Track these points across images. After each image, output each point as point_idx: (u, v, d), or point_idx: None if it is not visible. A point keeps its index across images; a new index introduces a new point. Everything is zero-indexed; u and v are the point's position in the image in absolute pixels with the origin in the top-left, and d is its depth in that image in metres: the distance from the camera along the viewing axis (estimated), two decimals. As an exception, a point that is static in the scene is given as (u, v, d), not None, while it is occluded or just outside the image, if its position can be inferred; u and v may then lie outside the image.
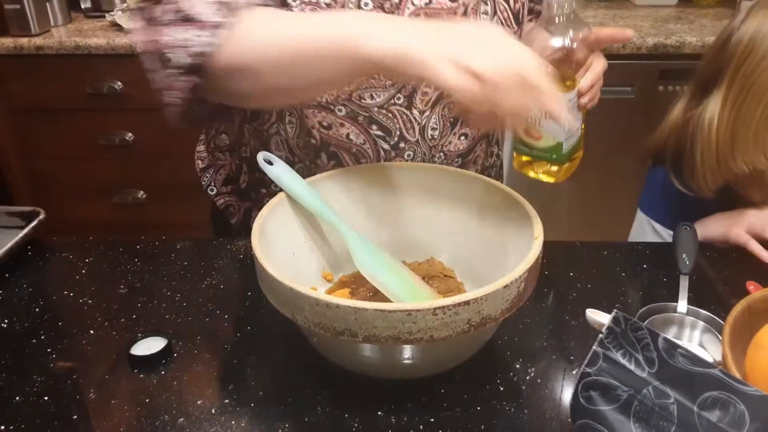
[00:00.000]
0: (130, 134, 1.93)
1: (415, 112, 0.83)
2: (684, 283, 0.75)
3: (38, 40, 1.80)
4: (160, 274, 0.83)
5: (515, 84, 0.56)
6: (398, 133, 0.84)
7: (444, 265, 0.77)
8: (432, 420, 0.61)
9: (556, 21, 0.74)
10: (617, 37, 0.78)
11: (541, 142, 0.76)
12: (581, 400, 0.53)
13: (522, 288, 0.59)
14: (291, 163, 0.87)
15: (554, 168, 0.78)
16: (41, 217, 0.89)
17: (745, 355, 0.59)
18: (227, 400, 0.64)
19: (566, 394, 0.64)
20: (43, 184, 2.01)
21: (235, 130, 0.92)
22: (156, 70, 0.70)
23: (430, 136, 0.86)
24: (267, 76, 0.67)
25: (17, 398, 0.64)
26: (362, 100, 0.81)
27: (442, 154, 0.87)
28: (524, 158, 0.79)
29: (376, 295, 0.70)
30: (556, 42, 0.74)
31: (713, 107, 0.92)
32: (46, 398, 0.64)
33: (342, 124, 0.83)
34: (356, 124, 0.83)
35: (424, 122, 0.84)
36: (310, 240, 0.75)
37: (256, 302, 0.77)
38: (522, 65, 0.56)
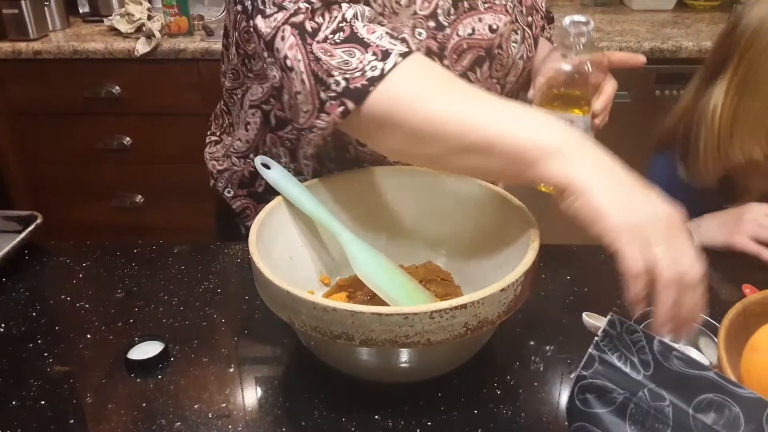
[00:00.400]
0: (128, 138, 1.93)
1: None
2: None
3: (36, 45, 1.81)
4: (157, 278, 0.83)
5: (681, 291, 0.53)
6: None
7: (441, 269, 0.78)
8: (429, 423, 0.62)
9: (572, 48, 0.76)
10: (629, 62, 0.80)
11: None
12: (577, 402, 0.53)
13: (519, 291, 0.59)
14: (319, 174, 0.84)
15: None
16: (38, 221, 0.89)
17: (741, 358, 0.59)
18: (224, 405, 0.64)
19: (563, 397, 0.65)
20: (42, 187, 2.01)
21: (250, 138, 0.89)
22: (309, 91, 0.63)
23: None
24: (422, 141, 0.62)
25: (14, 402, 0.64)
26: None
27: (360, 168, 0.84)
28: None
29: (374, 298, 0.70)
30: (571, 67, 0.76)
31: (717, 95, 0.91)
32: (42, 402, 0.64)
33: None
34: None
35: None
36: (307, 244, 0.75)
37: (254, 306, 0.77)
38: (694, 275, 0.54)
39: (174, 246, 0.90)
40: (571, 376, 0.66)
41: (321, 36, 0.63)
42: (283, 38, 0.64)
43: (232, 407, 0.63)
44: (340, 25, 0.63)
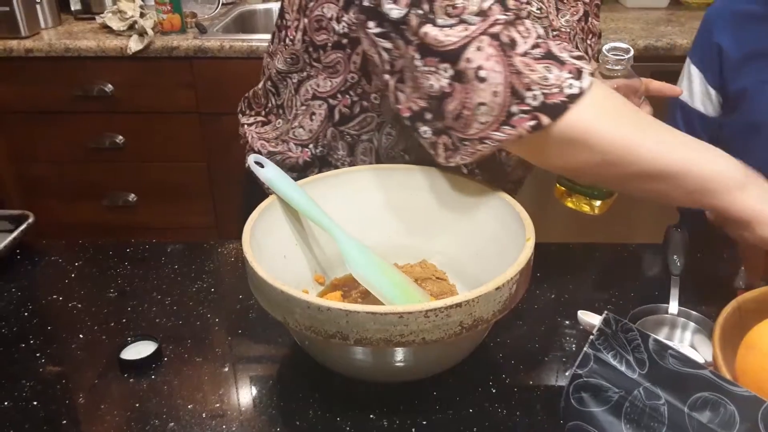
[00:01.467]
0: (120, 137, 1.92)
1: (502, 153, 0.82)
2: (675, 285, 0.75)
3: (28, 43, 1.79)
4: (150, 278, 0.83)
5: None
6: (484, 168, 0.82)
7: (436, 267, 0.77)
8: (424, 423, 0.61)
9: (610, 74, 0.76)
10: (666, 92, 0.79)
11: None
12: (572, 401, 0.53)
13: (514, 290, 0.59)
14: None
15: (595, 203, 0.80)
16: (30, 220, 0.89)
17: (736, 356, 0.59)
18: (218, 405, 0.63)
19: (558, 395, 0.64)
20: (33, 187, 2.00)
21: (314, 128, 0.86)
22: (500, 103, 0.62)
23: (504, 170, 0.85)
24: (611, 163, 0.63)
25: (6, 403, 0.64)
26: None
27: (354, 166, 0.83)
28: (564, 189, 0.81)
29: (368, 297, 0.70)
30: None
31: None
32: (35, 403, 0.64)
33: None
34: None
35: (504, 160, 0.83)
36: (301, 242, 0.74)
37: (247, 305, 0.77)
38: None
39: (167, 245, 0.90)
40: (567, 374, 0.66)
41: (521, 50, 0.62)
42: (479, 48, 0.62)
43: (226, 407, 0.63)
44: (537, 41, 0.63)
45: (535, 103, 0.62)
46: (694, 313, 0.72)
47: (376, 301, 0.67)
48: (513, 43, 0.63)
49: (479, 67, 0.62)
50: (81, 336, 0.73)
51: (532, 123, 0.62)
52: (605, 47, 0.76)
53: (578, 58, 0.64)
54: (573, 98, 0.61)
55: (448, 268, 0.77)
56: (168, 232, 2.03)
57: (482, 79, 0.62)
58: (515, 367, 0.68)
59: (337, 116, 0.82)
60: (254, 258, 0.61)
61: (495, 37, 0.62)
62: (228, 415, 0.62)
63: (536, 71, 0.62)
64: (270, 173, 0.73)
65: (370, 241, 0.74)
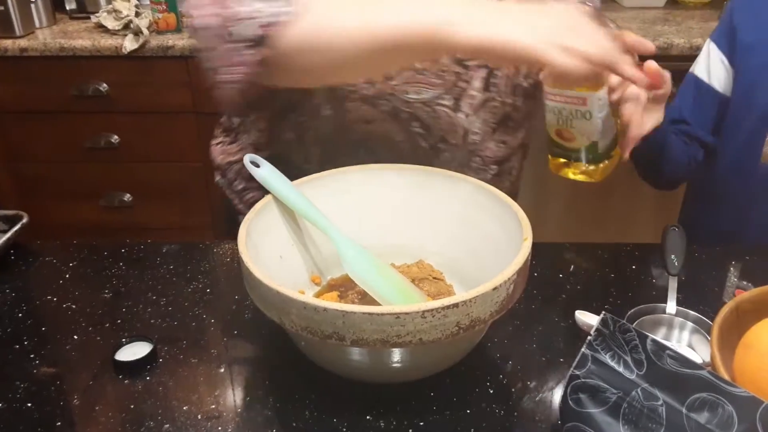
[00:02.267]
0: (115, 137, 1.91)
1: (460, 115, 0.83)
2: (673, 285, 0.75)
3: (22, 42, 1.78)
4: (145, 278, 0.82)
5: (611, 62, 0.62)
6: (440, 134, 0.83)
7: (433, 268, 0.77)
8: (421, 423, 0.61)
9: None
10: (639, 48, 0.76)
11: (575, 143, 0.75)
12: (570, 402, 0.52)
13: (511, 290, 0.59)
14: (323, 162, 0.85)
15: (591, 167, 0.77)
16: (24, 220, 0.88)
17: (734, 356, 0.59)
18: (213, 406, 0.63)
19: (556, 396, 0.64)
20: (28, 186, 1.99)
21: (263, 127, 0.90)
22: (215, 47, 0.67)
23: (471, 141, 0.85)
24: (343, 54, 0.66)
25: (0, 405, 0.63)
26: (406, 95, 0.81)
27: (479, 158, 0.87)
28: (560, 160, 0.79)
29: (365, 298, 0.69)
30: None
31: None
32: (29, 405, 0.63)
33: (384, 119, 0.82)
34: (398, 119, 0.82)
35: (467, 126, 0.84)
36: (298, 243, 0.74)
37: (243, 306, 0.76)
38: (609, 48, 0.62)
39: (162, 245, 0.89)
40: (564, 375, 0.66)
41: None
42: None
43: (222, 408, 0.63)
44: None
45: (250, 36, 0.66)
46: (692, 312, 0.72)
47: (373, 302, 0.66)
48: None
49: (195, 15, 0.68)
50: (75, 337, 0.72)
51: (256, 58, 0.67)
52: None
53: None
54: (282, 25, 0.65)
55: (445, 268, 0.77)
56: (164, 233, 2.03)
57: (201, 26, 0.68)
58: (512, 367, 0.68)
59: (278, 107, 0.85)
60: (250, 258, 0.61)
61: None
62: (224, 416, 0.62)
63: (241, 6, 0.66)
64: (265, 173, 0.73)
65: (367, 241, 0.74)
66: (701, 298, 0.77)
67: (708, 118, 1.05)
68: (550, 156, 0.79)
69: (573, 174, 0.79)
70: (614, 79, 0.74)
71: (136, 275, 0.83)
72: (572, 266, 0.85)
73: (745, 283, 0.81)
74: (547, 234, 1.12)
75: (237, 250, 0.62)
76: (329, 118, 0.84)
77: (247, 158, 0.74)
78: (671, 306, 0.73)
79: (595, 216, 1.97)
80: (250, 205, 0.91)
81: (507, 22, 0.62)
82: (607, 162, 0.78)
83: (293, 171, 0.88)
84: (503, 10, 0.63)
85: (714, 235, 1.06)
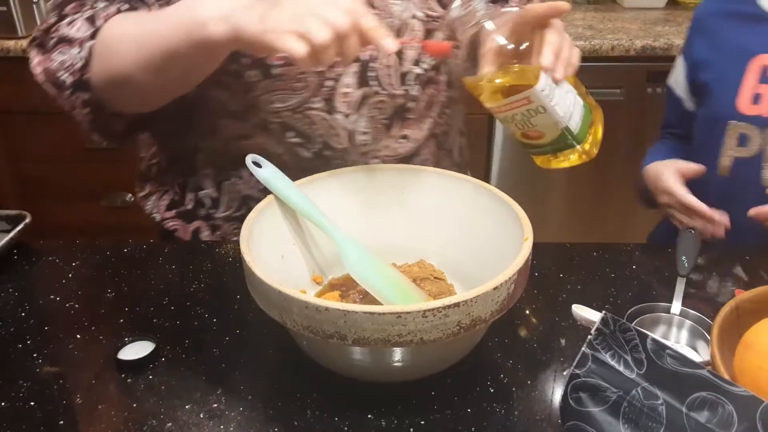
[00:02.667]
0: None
1: (338, 116, 0.80)
2: (680, 285, 0.75)
3: (25, 43, 1.79)
4: (147, 278, 0.82)
5: (353, 36, 0.61)
6: (320, 140, 0.81)
7: (434, 267, 0.77)
8: (422, 422, 0.61)
9: (468, 23, 0.68)
10: (551, 13, 0.70)
11: (545, 137, 0.71)
12: (570, 401, 0.53)
13: (512, 289, 0.59)
14: (219, 182, 0.88)
15: (579, 148, 0.72)
16: (27, 220, 0.89)
17: (734, 355, 0.59)
18: (216, 405, 0.63)
19: (556, 395, 0.64)
20: (30, 187, 1.99)
21: (149, 154, 0.94)
22: (56, 96, 0.77)
23: (360, 142, 0.82)
24: (138, 77, 0.71)
25: (3, 404, 0.64)
26: (271, 105, 0.79)
27: (377, 160, 0.84)
28: (543, 156, 0.75)
29: (366, 297, 0.70)
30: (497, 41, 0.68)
31: None
32: (32, 404, 0.64)
33: (256, 134, 0.81)
34: (270, 132, 0.81)
35: (351, 127, 0.81)
36: (299, 242, 0.74)
37: (245, 306, 0.77)
38: (352, 12, 0.60)
39: (165, 245, 0.90)
40: (565, 374, 0.66)
41: (49, 46, 0.76)
42: (32, 56, 0.78)
43: (224, 407, 0.63)
44: (53, 34, 0.76)
45: (69, 87, 0.75)
46: (692, 312, 0.72)
47: (375, 302, 0.67)
48: (43, 42, 0.76)
49: (36, 74, 0.77)
50: (78, 336, 0.73)
51: (78, 102, 0.76)
52: (455, 3, 0.68)
53: (92, 24, 0.74)
54: (84, 69, 0.73)
55: (446, 268, 0.77)
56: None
57: (41, 82, 0.77)
58: (513, 367, 0.68)
59: (167, 129, 0.89)
60: (252, 258, 0.61)
61: (35, 40, 0.77)
62: (226, 415, 0.62)
63: (57, 59, 0.74)
64: (267, 173, 0.73)
65: (368, 241, 0.74)
66: (701, 298, 0.77)
67: (683, 127, 1.08)
68: (532, 157, 0.76)
69: (565, 162, 0.74)
70: (544, 61, 0.67)
71: (138, 275, 0.83)
72: (573, 266, 0.85)
73: (744, 282, 0.82)
74: (547, 234, 1.12)
75: (239, 249, 0.63)
76: (211, 138, 0.85)
77: (249, 158, 0.74)
78: (676, 306, 0.73)
79: (595, 216, 1.97)
80: (171, 233, 0.94)
81: (244, 13, 0.62)
82: (590, 134, 0.73)
83: (201, 192, 0.90)
84: (254, 2, 0.62)
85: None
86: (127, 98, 0.77)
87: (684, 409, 0.47)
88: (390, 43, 0.62)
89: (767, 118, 0.93)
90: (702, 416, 0.47)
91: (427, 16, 0.82)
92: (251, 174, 0.81)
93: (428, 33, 0.83)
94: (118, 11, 0.75)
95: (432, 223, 0.78)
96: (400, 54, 0.82)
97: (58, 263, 0.86)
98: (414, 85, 0.84)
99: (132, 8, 0.77)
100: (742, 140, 0.95)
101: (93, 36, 0.73)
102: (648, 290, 0.80)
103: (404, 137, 0.86)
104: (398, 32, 0.81)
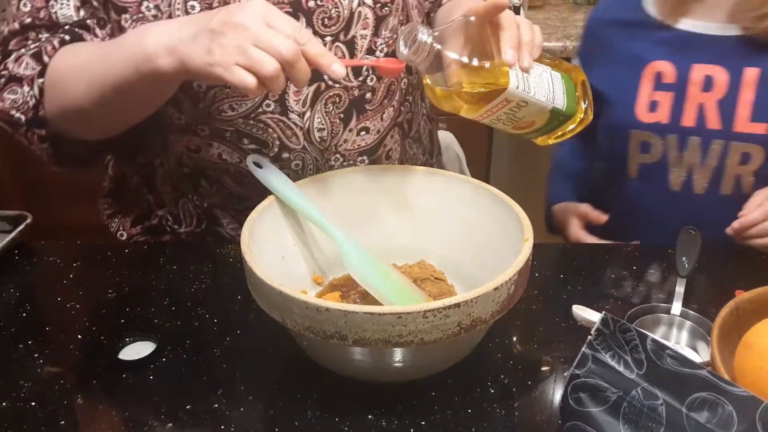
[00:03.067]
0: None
1: (292, 116, 0.79)
2: (680, 286, 0.75)
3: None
4: (148, 278, 0.83)
5: (300, 58, 0.60)
6: (277, 143, 0.80)
7: (435, 268, 0.77)
8: (423, 423, 0.61)
9: (414, 60, 0.65)
10: (493, 12, 0.66)
11: (537, 123, 0.70)
12: (570, 401, 0.53)
13: (512, 290, 0.59)
14: (176, 199, 0.89)
15: (576, 117, 0.71)
16: (28, 221, 0.89)
17: (734, 356, 0.59)
18: (216, 405, 0.63)
19: (557, 396, 0.65)
20: (32, 187, 1.99)
21: (111, 174, 0.95)
22: (13, 133, 0.77)
23: (317, 139, 0.81)
24: (93, 110, 0.72)
25: (4, 404, 0.64)
26: (223, 114, 0.78)
27: (339, 156, 0.83)
28: (542, 137, 0.73)
29: (367, 298, 0.70)
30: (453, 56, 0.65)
31: None
32: (33, 404, 0.64)
33: (210, 144, 0.80)
34: (224, 141, 0.80)
35: (306, 125, 0.80)
36: (300, 243, 0.74)
37: (246, 306, 0.77)
38: (296, 39, 0.60)
39: (165, 246, 0.90)
40: (565, 375, 0.66)
41: None
42: None
43: (225, 407, 0.63)
44: (2, 73, 0.76)
45: (24, 124, 0.76)
46: (692, 313, 0.72)
47: (375, 302, 0.67)
48: None
49: None
50: (79, 336, 0.73)
51: (35, 138, 0.77)
52: (399, 42, 0.65)
53: (38, 60, 0.74)
54: (36, 107, 0.75)
55: (447, 269, 0.77)
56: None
57: None
58: (513, 367, 0.68)
59: (128, 149, 0.89)
60: (253, 258, 0.61)
61: None
62: (227, 415, 0.62)
63: (8, 98, 0.75)
64: (268, 173, 0.73)
65: (369, 242, 0.74)
66: (701, 298, 0.77)
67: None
68: (533, 141, 0.75)
69: (566, 135, 0.73)
70: (506, 56, 0.65)
71: (139, 275, 0.83)
72: (573, 266, 0.85)
73: (744, 283, 0.82)
74: (546, 234, 1.12)
75: (240, 250, 0.63)
76: (166, 154, 0.85)
77: (250, 159, 0.74)
78: (676, 307, 0.73)
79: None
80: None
81: (189, 45, 0.61)
82: (579, 100, 0.71)
83: (165, 208, 0.90)
84: (199, 33, 0.61)
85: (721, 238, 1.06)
86: (85, 128, 0.78)
87: (684, 410, 0.48)
88: (338, 69, 0.61)
89: (666, 125, 0.93)
90: (702, 416, 0.47)
91: (376, 2, 0.80)
92: (210, 184, 0.84)
93: (379, 20, 0.81)
94: (62, 42, 0.75)
95: (433, 224, 0.78)
96: (352, 44, 0.80)
97: (59, 264, 0.86)
98: (370, 75, 0.82)
99: (75, 38, 0.76)
100: (645, 147, 0.96)
101: (42, 73, 0.74)
102: (648, 291, 0.80)
103: (364, 129, 0.84)
104: (347, 23, 0.78)
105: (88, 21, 0.77)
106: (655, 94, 0.93)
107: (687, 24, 0.92)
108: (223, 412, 0.63)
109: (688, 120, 0.92)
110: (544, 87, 0.68)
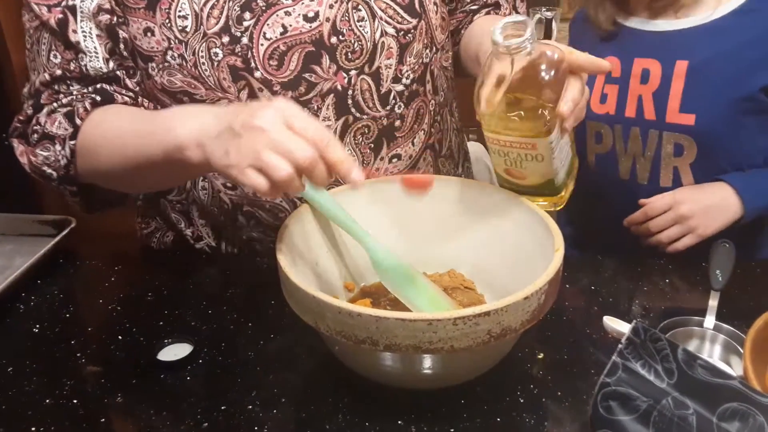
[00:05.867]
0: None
1: None
2: (714, 299, 0.74)
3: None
4: (186, 282, 0.85)
5: (318, 163, 0.58)
6: None
7: (464, 277, 0.78)
8: (452, 430, 0.62)
9: (509, 53, 0.62)
10: (590, 68, 0.67)
11: (527, 180, 0.69)
12: (601, 409, 0.53)
13: (542, 300, 0.60)
14: (217, 232, 0.90)
15: (551, 199, 0.72)
16: (72, 225, 0.92)
17: (767, 369, 0.58)
18: (250, 406, 0.65)
19: (587, 406, 0.64)
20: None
21: (143, 202, 0.97)
22: (45, 184, 0.80)
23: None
24: (122, 176, 0.75)
25: (47, 401, 0.66)
26: None
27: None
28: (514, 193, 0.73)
29: (397, 305, 0.71)
30: (515, 73, 0.63)
31: None
32: (75, 401, 0.66)
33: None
34: None
35: None
36: (332, 250, 0.76)
37: (280, 311, 0.78)
38: (317, 142, 0.58)
39: (203, 252, 0.92)
40: (595, 386, 0.66)
41: (33, 140, 0.78)
42: (15, 146, 0.81)
43: (258, 409, 0.65)
44: (36, 128, 0.78)
45: (56, 180, 0.78)
46: (725, 326, 0.72)
47: (405, 309, 0.68)
48: (26, 134, 0.79)
49: (24, 163, 0.80)
50: (120, 337, 0.75)
51: (68, 192, 0.81)
52: (497, 25, 0.62)
53: (71, 121, 0.76)
54: (68, 166, 0.76)
55: (477, 278, 0.78)
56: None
57: (29, 172, 0.80)
58: (543, 377, 0.68)
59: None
60: (287, 264, 0.63)
61: (17, 130, 0.80)
62: (260, 416, 0.64)
63: (41, 155, 0.77)
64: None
65: (399, 250, 0.75)
66: (736, 313, 0.76)
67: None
68: (501, 185, 0.74)
69: (531, 200, 0.72)
70: (564, 107, 0.63)
71: (177, 280, 0.86)
72: (605, 278, 0.85)
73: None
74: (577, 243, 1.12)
75: (274, 256, 0.64)
76: (204, 191, 0.86)
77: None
78: (710, 320, 0.72)
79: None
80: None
81: (213, 144, 0.60)
82: (567, 187, 0.71)
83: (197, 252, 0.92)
84: (222, 131, 0.60)
85: (597, 246, 1.05)
86: (116, 186, 0.81)
87: (715, 420, 0.47)
88: (357, 175, 0.59)
89: (612, 116, 1.00)
90: (733, 426, 0.46)
91: (398, 30, 0.80)
92: (247, 220, 0.85)
93: (403, 48, 0.81)
94: (94, 103, 0.76)
95: (463, 234, 0.78)
96: (377, 75, 0.80)
97: (101, 267, 0.89)
98: (397, 103, 0.83)
99: (106, 98, 0.77)
100: (598, 138, 1.03)
101: (73, 136, 0.75)
102: (681, 304, 0.79)
103: (396, 156, 0.85)
104: (371, 55, 0.79)
105: (118, 72, 0.79)
106: (606, 87, 1.01)
107: (629, 21, 1.01)
108: (257, 413, 0.64)
109: (630, 111, 0.99)
110: (562, 157, 0.68)
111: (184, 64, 0.76)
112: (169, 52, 0.76)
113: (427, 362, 0.61)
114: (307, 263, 0.71)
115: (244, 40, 0.75)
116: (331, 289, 0.74)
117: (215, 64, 0.75)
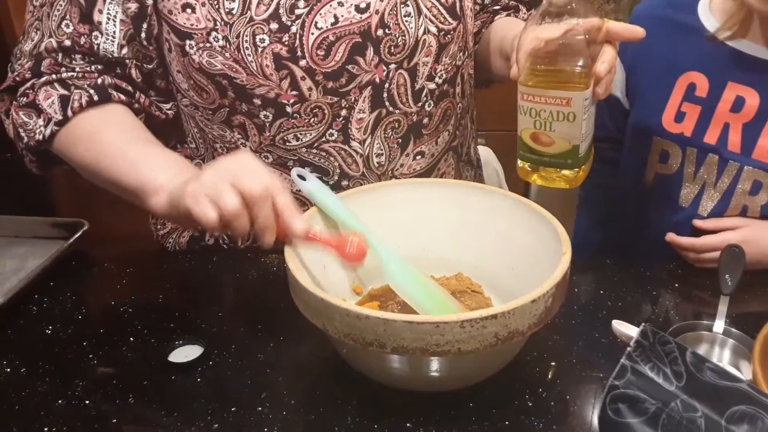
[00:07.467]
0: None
1: (354, 144, 0.81)
2: (723, 304, 0.74)
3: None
4: (197, 285, 0.86)
5: (265, 207, 0.61)
6: (338, 171, 0.82)
7: (472, 281, 0.78)
8: (460, 433, 0.62)
9: (558, 11, 0.64)
10: (625, 35, 0.68)
11: (553, 147, 0.69)
12: (609, 412, 0.53)
13: (550, 303, 0.60)
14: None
15: (569, 173, 0.71)
16: (85, 228, 0.93)
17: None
18: (260, 408, 0.65)
19: (595, 410, 0.64)
20: (87, 195, 2.06)
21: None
22: (8, 135, 0.82)
23: (376, 164, 0.83)
24: (83, 172, 0.80)
25: (60, 401, 0.67)
26: (287, 143, 0.80)
27: (394, 179, 0.85)
28: (530, 166, 0.73)
29: (405, 308, 0.71)
30: (559, 35, 0.65)
31: None
32: (87, 402, 0.67)
33: (273, 173, 0.82)
34: (286, 169, 0.82)
35: (366, 151, 0.81)
36: (341, 253, 0.76)
37: (288, 313, 0.78)
38: (269, 189, 0.62)
39: (213, 254, 0.93)
40: (604, 389, 0.66)
41: (19, 101, 0.80)
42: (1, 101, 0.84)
43: (268, 411, 0.65)
44: (27, 91, 0.79)
45: (24, 144, 0.80)
46: (735, 331, 0.71)
47: (413, 312, 0.68)
48: (14, 92, 0.80)
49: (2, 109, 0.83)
50: (131, 339, 0.76)
51: (27, 159, 0.83)
52: None
53: (66, 105, 0.77)
54: (41, 143, 0.78)
55: (484, 282, 0.78)
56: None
57: (3, 119, 0.83)
58: (551, 381, 0.68)
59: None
60: (296, 267, 0.63)
61: (8, 87, 0.81)
62: (269, 418, 0.64)
63: (20, 117, 0.79)
64: (311, 186, 0.75)
65: (407, 254, 0.75)
66: (745, 317, 0.76)
67: (620, 131, 1.04)
68: (519, 161, 0.73)
69: (544, 181, 0.73)
70: (601, 66, 0.66)
71: (187, 282, 0.86)
72: (613, 282, 0.85)
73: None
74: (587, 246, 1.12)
75: (283, 259, 0.65)
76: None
77: (295, 171, 0.77)
78: (719, 325, 0.72)
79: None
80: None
81: (177, 182, 0.66)
82: (585, 165, 0.72)
83: (217, 237, 0.93)
84: (185, 181, 0.65)
85: (606, 248, 1.04)
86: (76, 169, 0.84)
87: (723, 422, 0.47)
88: (299, 225, 0.63)
89: (689, 138, 0.91)
90: (741, 429, 0.46)
91: (440, 29, 0.82)
92: None
93: (441, 48, 0.83)
94: (90, 101, 0.77)
95: (471, 237, 0.79)
96: (414, 71, 0.82)
97: (113, 269, 0.90)
98: (428, 100, 0.84)
99: (103, 98, 0.78)
100: (664, 157, 0.94)
101: (60, 123, 0.77)
102: (690, 308, 0.79)
103: (420, 153, 0.86)
104: (412, 51, 0.81)
105: (127, 60, 0.79)
106: (684, 105, 0.91)
107: (735, 41, 0.88)
108: (266, 415, 0.65)
109: (711, 137, 0.90)
110: (589, 125, 0.69)
111: (228, 46, 0.75)
112: (213, 33, 0.75)
113: (435, 365, 0.62)
114: (315, 266, 0.71)
115: (294, 28, 0.75)
116: (339, 292, 0.75)
117: (259, 50, 0.75)
